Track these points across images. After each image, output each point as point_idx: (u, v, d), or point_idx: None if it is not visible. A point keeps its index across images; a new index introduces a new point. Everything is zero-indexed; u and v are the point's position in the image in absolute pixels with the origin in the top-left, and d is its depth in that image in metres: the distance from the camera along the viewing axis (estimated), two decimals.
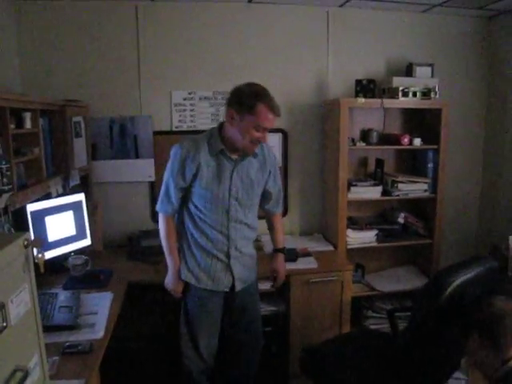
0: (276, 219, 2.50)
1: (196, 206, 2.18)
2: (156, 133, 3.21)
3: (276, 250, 2.50)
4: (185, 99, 3.23)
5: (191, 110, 3.25)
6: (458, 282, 1.77)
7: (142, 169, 3.21)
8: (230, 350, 2.47)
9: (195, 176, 2.11)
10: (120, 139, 3.15)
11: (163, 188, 2.21)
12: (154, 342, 3.14)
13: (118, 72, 3.13)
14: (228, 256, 2.24)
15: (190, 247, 2.25)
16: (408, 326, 2.05)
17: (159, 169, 3.22)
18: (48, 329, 1.86)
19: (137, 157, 3.19)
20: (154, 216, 3.29)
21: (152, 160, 3.21)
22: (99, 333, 1.94)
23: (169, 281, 2.30)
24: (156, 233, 3.13)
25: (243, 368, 2.50)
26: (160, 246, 3.00)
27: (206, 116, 3.28)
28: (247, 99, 1.99)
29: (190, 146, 2.11)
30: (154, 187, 3.26)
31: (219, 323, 2.34)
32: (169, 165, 2.17)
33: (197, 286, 2.26)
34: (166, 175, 2.19)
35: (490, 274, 1.92)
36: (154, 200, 3.27)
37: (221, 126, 2.17)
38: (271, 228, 2.51)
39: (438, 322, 1.79)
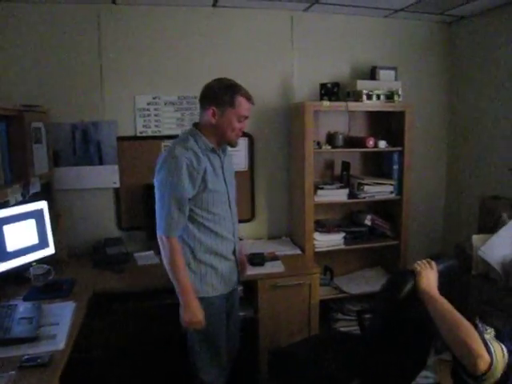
0: None
1: (204, 211, 2.12)
2: (120, 138, 3.16)
3: None
4: (149, 104, 3.19)
5: (156, 115, 3.21)
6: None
7: (106, 175, 3.14)
8: None
9: (203, 179, 2.07)
10: (83, 145, 3.08)
11: (166, 208, 2.02)
12: (119, 352, 3.09)
13: (79, 76, 3.06)
14: (235, 253, 2.27)
15: (201, 259, 2.16)
16: (368, 326, 2.07)
17: (123, 175, 3.19)
18: (6, 342, 1.80)
19: (100, 163, 3.12)
20: (120, 223, 3.25)
21: (116, 166, 3.15)
22: (60, 344, 1.87)
23: (193, 314, 2.07)
24: (121, 240, 3.12)
25: None
26: (126, 254, 3.02)
27: (171, 121, 3.24)
28: (224, 94, 2.07)
29: (186, 152, 2.03)
30: (118, 194, 3.21)
31: None
32: (168, 179, 2.00)
33: (211, 296, 2.17)
34: (168, 192, 2.01)
35: (449, 272, 1.94)
36: (119, 207, 3.23)
37: (196, 127, 2.17)
38: None
39: (395, 321, 1.81)
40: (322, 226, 3.33)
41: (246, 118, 2.17)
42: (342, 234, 3.31)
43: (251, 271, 2.69)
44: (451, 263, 2.01)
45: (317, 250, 3.23)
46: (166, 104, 3.22)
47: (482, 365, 1.36)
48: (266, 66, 3.36)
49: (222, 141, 2.17)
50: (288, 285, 2.82)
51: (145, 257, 3.09)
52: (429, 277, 1.73)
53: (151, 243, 3.19)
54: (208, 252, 2.16)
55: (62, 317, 2.13)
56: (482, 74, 3.46)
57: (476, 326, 1.49)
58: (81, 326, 2.13)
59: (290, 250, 3.22)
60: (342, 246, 3.31)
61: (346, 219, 3.57)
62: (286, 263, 2.92)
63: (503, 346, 1.43)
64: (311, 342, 2.58)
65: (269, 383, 2.70)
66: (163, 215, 2.03)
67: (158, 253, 3.05)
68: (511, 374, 1.42)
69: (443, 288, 1.77)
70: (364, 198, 3.29)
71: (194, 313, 2.07)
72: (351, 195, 3.30)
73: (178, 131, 3.24)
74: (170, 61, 3.19)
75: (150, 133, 3.22)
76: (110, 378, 2.99)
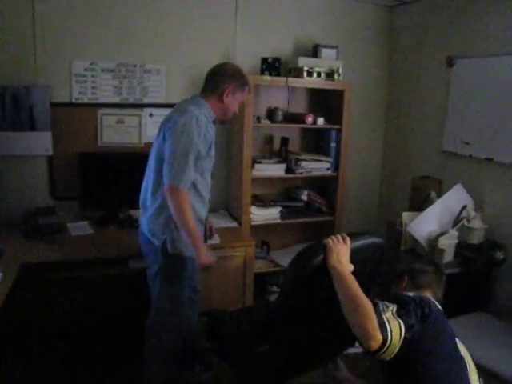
0: None
1: (200, 175, 2.26)
2: (54, 104, 3.03)
3: None
4: (86, 70, 3.08)
5: (93, 82, 3.11)
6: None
7: (38, 142, 3.01)
8: None
9: (209, 145, 2.25)
10: (13, 110, 2.93)
11: (185, 163, 2.12)
12: (51, 322, 3.04)
13: (10, 38, 2.89)
14: (205, 219, 2.46)
15: None
16: (277, 298, 2.10)
17: (57, 142, 3.08)
18: None
19: (33, 129, 2.99)
20: (53, 192, 3.14)
21: (49, 133, 3.02)
22: None
23: (207, 256, 2.23)
24: (53, 210, 3.04)
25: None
26: (59, 224, 2.94)
27: (109, 88, 3.15)
28: (241, 79, 2.33)
29: (203, 118, 2.19)
30: (52, 162, 3.10)
31: None
32: (188, 134, 2.12)
33: (189, 257, 2.28)
34: (187, 146, 2.11)
35: (371, 250, 1.93)
36: (52, 175, 3.12)
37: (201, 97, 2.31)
38: None
39: (302, 294, 1.80)
40: (260, 201, 3.36)
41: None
42: (279, 209, 3.37)
43: None
44: (374, 241, 1.95)
45: (253, 223, 3.27)
46: (103, 71, 3.12)
47: (374, 344, 1.42)
48: (209, 37, 3.32)
49: (220, 117, 2.36)
50: (223, 256, 2.85)
51: (78, 227, 3.02)
52: (339, 252, 1.69)
53: (86, 213, 3.13)
54: (194, 215, 2.24)
55: None
56: (419, 57, 3.58)
57: (376, 306, 1.52)
58: (8, 296, 2.06)
59: (227, 223, 3.25)
60: (279, 221, 3.37)
61: (283, 194, 3.63)
62: (222, 235, 2.94)
63: (401, 323, 1.48)
64: (241, 311, 2.62)
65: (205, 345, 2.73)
66: (181, 169, 2.12)
67: (92, 222, 3.05)
68: (412, 347, 1.50)
69: (363, 265, 1.78)
70: (301, 173, 3.34)
71: (207, 256, 2.22)
72: (288, 170, 3.35)
73: (115, 99, 3.17)
74: (109, 27, 3.08)
75: (86, 100, 3.11)
76: (45, 350, 2.95)
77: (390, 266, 3.25)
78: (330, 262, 1.68)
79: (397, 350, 1.47)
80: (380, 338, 1.43)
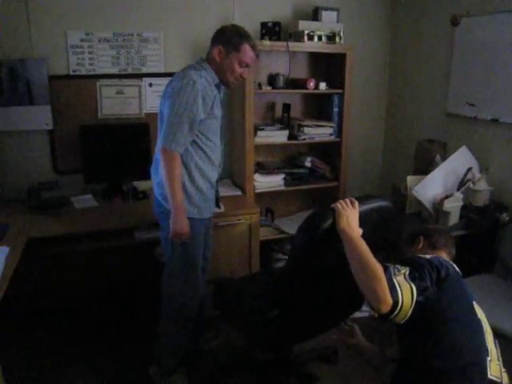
0: None
1: (205, 137, 2.25)
2: (52, 77, 2.98)
3: None
4: (82, 41, 3.02)
5: (90, 53, 3.05)
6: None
7: (38, 116, 2.97)
8: None
9: (212, 106, 2.23)
10: (10, 84, 2.89)
11: (178, 124, 2.11)
12: (60, 295, 3.08)
13: (3, 10, 2.82)
14: (217, 182, 2.46)
15: (194, 182, 2.27)
16: (286, 262, 2.11)
17: (58, 116, 3.05)
18: None
19: (31, 103, 2.95)
20: (56, 166, 3.13)
21: (48, 107, 2.98)
22: None
23: (182, 224, 2.18)
24: (56, 184, 3.03)
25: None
26: (63, 197, 2.94)
27: (107, 59, 3.09)
28: (234, 38, 2.23)
29: (200, 78, 2.16)
30: (53, 136, 3.07)
31: None
32: (185, 99, 2.10)
33: (195, 218, 2.28)
34: (181, 109, 2.10)
35: (379, 213, 1.93)
36: (54, 149, 3.11)
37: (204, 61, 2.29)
38: None
39: (312, 258, 1.82)
40: (263, 168, 3.35)
41: (248, 65, 2.30)
42: (282, 176, 3.35)
43: None
44: (381, 204, 1.97)
45: (257, 191, 3.26)
46: (100, 41, 3.06)
47: (384, 307, 1.44)
48: (206, 1, 3.24)
49: (221, 80, 2.30)
50: (228, 224, 2.86)
51: (83, 200, 3.02)
52: (348, 216, 1.70)
53: (89, 187, 3.13)
54: (202, 176, 2.28)
55: None
56: (423, 17, 3.49)
57: (386, 269, 1.52)
58: (15, 271, 2.07)
59: (231, 192, 3.23)
60: (283, 188, 3.36)
61: (287, 161, 3.60)
62: (227, 204, 2.92)
63: (413, 286, 1.48)
64: (248, 278, 2.64)
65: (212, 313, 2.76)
66: (174, 130, 2.12)
67: (96, 195, 3.05)
68: (427, 310, 1.50)
69: (372, 228, 1.78)
70: (304, 139, 3.31)
71: (183, 224, 2.18)
72: (291, 137, 3.31)
73: (114, 70, 3.12)
74: None
75: (84, 71, 3.06)
76: (51, 321, 3.00)
77: (395, 231, 3.27)
78: (339, 227, 1.69)
79: (409, 314, 1.47)
80: (390, 301, 1.44)
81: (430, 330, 1.52)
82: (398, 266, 1.56)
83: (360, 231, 1.70)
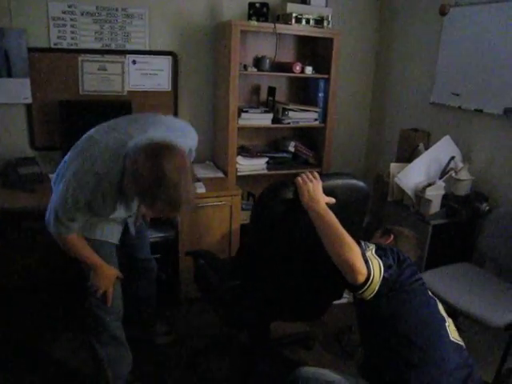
0: None
1: None
2: (32, 50, 2.89)
3: None
4: (64, 13, 2.92)
5: (72, 26, 2.97)
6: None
7: (16, 89, 2.89)
8: None
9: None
10: None
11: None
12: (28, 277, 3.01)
13: None
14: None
15: None
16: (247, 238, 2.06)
17: (37, 90, 2.96)
18: None
19: (9, 75, 2.86)
20: (34, 142, 3.06)
21: (27, 80, 2.90)
22: None
23: (105, 274, 1.96)
24: (34, 160, 2.96)
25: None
26: (40, 174, 2.87)
27: (89, 33, 3.01)
28: (146, 195, 1.65)
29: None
30: (31, 110, 2.99)
31: None
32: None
33: (101, 240, 2.06)
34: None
35: (350, 190, 1.86)
36: (31, 124, 3.02)
37: None
38: None
39: (277, 230, 1.79)
40: (246, 151, 3.31)
41: None
42: (265, 159, 3.33)
43: None
44: (351, 182, 1.88)
45: (239, 173, 3.23)
46: (83, 14, 2.97)
47: (360, 278, 1.50)
48: None
49: None
50: (209, 205, 2.83)
51: None
52: (309, 189, 1.64)
53: None
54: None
55: None
56: (411, 6, 3.48)
57: (359, 243, 1.57)
58: None
59: (213, 173, 3.20)
60: (265, 171, 3.33)
61: (270, 145, 3.58)
62: (208, 185, 2.90)
63: (380, 262, 1.55)
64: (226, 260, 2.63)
65: (191, 305, 2.73)
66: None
67: None
68: (390, 287, 1.57)
69: (339, 205, 1.73)
70: (288, 123, 3.28)
71: (105, 273, 1.98)
72: (275, 120, 3.28)
73: (96, 45, 3.04)
74: None
75: (65, 45, 2.97)
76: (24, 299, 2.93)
77: (375, 217, 3.28)
78: (303, 202, 1.64)
79: (377, 289, 1.53)
80: (365, 272, 1.50)
81: (394, 306, 1.58)
82: (366, 242, 1.64)
83: (329, 199, 1.68)
